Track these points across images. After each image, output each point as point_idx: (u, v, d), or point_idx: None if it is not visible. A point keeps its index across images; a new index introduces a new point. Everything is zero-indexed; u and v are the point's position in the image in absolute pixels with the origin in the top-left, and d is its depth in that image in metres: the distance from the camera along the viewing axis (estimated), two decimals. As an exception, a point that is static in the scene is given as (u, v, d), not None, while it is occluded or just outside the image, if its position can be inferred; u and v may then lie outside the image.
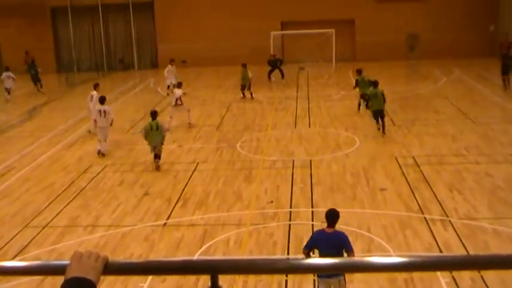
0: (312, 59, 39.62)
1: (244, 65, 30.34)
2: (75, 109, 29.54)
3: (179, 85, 25.72)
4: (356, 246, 12.11)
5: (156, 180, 18.20)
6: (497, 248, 12.51)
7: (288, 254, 12.88)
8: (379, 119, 22.17)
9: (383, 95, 22.44)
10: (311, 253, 10.17)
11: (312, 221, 14.53)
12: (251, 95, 30.38)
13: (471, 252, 12.37)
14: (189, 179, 18.15)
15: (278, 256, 12.74)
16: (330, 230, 9.99)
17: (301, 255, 12.49)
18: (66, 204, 16.36)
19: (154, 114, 19.75)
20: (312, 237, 10.28)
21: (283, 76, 35.54)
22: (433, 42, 41.02)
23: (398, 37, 41.88)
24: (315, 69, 38.89)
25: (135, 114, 27.68)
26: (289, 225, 14.36)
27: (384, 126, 22.10)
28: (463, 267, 2.31)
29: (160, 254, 13.13)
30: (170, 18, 43.00)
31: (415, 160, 19.05)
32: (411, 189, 16.38)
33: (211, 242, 13.55)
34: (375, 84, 22.94)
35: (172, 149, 21.60)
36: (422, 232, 13.59)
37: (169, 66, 32.98)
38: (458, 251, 12.43)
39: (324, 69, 38.76)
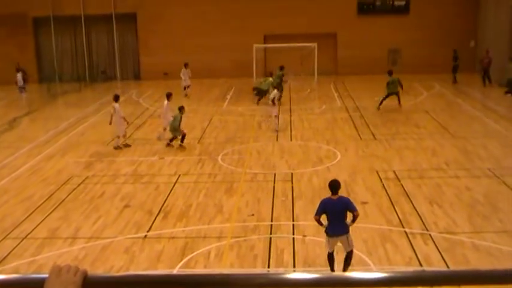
0: (294, 72, 39.71)
1: (281, 68, 33.64)
2: (56, 120, 29.42)
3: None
4: (337, 258, 12.19)
5: (137, 192, 18.13)
6: (476, 262, 12.60)
7: (268, 267, 12.86)
8: (397, 98, 29.47)
9: (399, 81, 29.58)
10: (321, 219, 11.91)
11: (293, 234, 14.54)
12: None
13: (451, 266, 12.44)
14: (170, 191, 18.11)
15: (259, 270, 12.72)
16: (335, 197, 11.86)
17: (282, 269, 12.54)
18: (46, 216, 16.24)
19: (183, 108, 23.30)
20: (320, 205, 11.96)
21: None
22: (414, 57, 41.32)
23: (379, 51, 42.13)
24: (297, 82, 38.99)
25: (117, 126, 27.56)
26: (270, 238, 14.36)
27: (399, 101, 29.53)
28: (444, 282, 2.32)
29: (140, 266, 13.06)
30: (153, 31, 42.97)
31: (395, 174, 19.15)
32: (392, 203, 16.45)
33: (192, 255, 13.51)
34: (390, 73, 29.92)
35: (153, 161, 21.56)
36: (402, 246, 13.64)
37: (184, 69, 35.73)
38: (438, 265, 12.49)
39: (306, 83, 38.88)
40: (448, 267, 12.38)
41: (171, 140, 23.24)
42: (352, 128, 26.13)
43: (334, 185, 12.06)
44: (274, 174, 19.49)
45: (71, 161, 21.83)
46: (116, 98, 23.70)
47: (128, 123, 23.88)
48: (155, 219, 15.86)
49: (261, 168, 20.41)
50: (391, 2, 42.56)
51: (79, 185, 19.01)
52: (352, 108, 30.52)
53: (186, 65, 36.02)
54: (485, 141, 22.92)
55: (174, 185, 18.71)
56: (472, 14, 41.50)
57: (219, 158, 21.68)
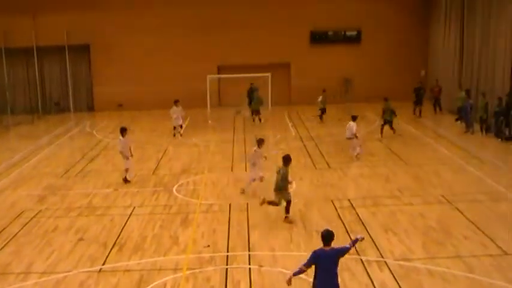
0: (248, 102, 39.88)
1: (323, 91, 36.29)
2: (8, 152, 28.96)
3: (354, 118, 25.52)
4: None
5: (91, 225, 17.90)
6: (430, 287, 12.75)
7: (225, 298, 12.79)
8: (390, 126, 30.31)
9: (392, 109, 30.44)
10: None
11: (249, 264, 14.51)
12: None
13: (406, 293, 12.55)
14: (125, 223, 17.92)
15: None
16: (327, 248, 10.84)
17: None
18: (-2, 251, 15.92)
19: (289, 160, 18.19)
20: (311, 255, 10.89)
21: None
22: (366, 86, 41.96)
23: (332, 80, 42.53)
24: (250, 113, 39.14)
25: (70, 158, 27.30)
26: (226, 269, 14.30)
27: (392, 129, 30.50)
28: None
29: (95, 300, 12.86)
30: (106, 62, 42.84)
31: (350, 202, 19.30)
32: (347, 231, 16.55)
33: (147, 288, 13.38)
34: (386, 99, 30.84)
35: (107, 192, 21.35)
36: (359, 273, 13.73)
37: (174, 107, 32.18)
38: (393, 292, 12.59)
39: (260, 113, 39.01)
40: (403, 294, 12.49)
41: (276, 204, 17.77)
42: (307, 157, 26.31)
43: (327, 236, 10.76)
44: (230, 205, 19.47)
45: (24, 194, 21.48)
46: (122, 131, 22.81)
47: (126, 158, 22.68)
48: (110, 251, 15.67)
49: (216, 198, 20.37)
50: (342, 32, 43.22)
51: (31, 218, 18.69)
52: (306, 138, 30.76)
53: (176, 102, 32.29)
54: (437, 168, 23.32)
55: (129, 217, 18.54)
56: (423, 44, 42.45)
57: (174, 189, 21.58)
